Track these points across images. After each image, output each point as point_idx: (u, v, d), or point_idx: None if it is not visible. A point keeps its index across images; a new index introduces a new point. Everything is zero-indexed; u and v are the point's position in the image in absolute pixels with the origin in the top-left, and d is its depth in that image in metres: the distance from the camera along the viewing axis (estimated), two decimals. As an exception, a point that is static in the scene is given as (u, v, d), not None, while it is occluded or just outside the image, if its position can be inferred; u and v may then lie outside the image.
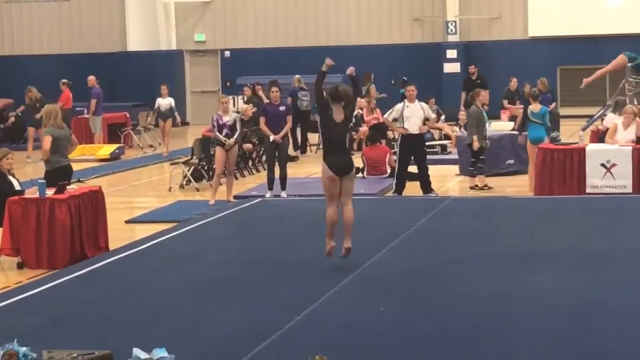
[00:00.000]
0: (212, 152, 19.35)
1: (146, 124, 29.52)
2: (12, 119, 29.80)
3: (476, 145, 19.04)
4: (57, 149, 14.16)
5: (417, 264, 12.46)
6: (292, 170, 20.63)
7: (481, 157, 19.28)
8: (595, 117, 25.21)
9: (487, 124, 19.81)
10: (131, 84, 33.65)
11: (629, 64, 23.98)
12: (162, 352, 4.33)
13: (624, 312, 9.88)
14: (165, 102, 26.39)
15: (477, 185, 19.28)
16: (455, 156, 22.47)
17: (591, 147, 18.39)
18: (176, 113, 26.57)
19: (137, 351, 4.34)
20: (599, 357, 8.61)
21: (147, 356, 4.29)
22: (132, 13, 35.45)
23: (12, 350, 4.22)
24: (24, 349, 4.27)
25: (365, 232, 14.27)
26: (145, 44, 35.60)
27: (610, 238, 13.70)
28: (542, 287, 11.00)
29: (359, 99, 27.34)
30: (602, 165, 17.78)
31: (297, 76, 27.69)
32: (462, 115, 26.39)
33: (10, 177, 13.72)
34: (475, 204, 17.46)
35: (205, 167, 20.66)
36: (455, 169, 21.65)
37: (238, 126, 18.40)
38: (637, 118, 18.81)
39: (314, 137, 26.30)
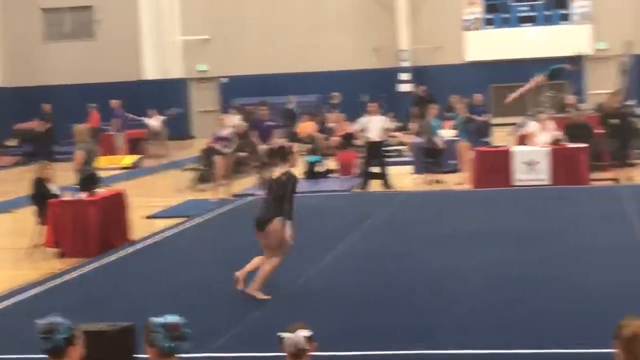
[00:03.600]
0: (213, 160, 19.33)
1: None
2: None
3: (443, 145, 19.20)
4: (86, 161, 14.16)
5: (379, 244, 12.50)
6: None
7: (432, 159, 19.40)
8: (519, 124, 25.29)
9: (438, 131, 19.83)
10: (147, 106, 33.53)
11: (548, 81, 24.11)
12: (174, 318, 4.32)
13: (547, 280, 9.94)
14: (154, 122, 26.78)
15: (435, 181, 19.36)
16: (409, 158, 22.50)
17: (517, 149, 18.47)
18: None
19: (152, 319, 4.33)
20: (526, 315, 8.65)
21: (161, 320, 4.28)
22: (146, 49, 35.41)
23: (53, 322, 4.21)
24: (62, 320, 4.25)
25: (338, 221, 14.35)
26: (158, 74, 35.56)
27: (534, 220, 13.77)
28: (482, 261, 11.04)
29: (330, 114, 27.42)
30: (526, 163, 17.86)
31: None
32: (413, 125, 26.44)
33: (50, 184, 13.68)
34: (427, 197, 17.50)
35: (208, 172, 20.60)
36: (410, 168, 21.68)
37: (233, 138, 18.50)
38: (553, 124, 18.90)
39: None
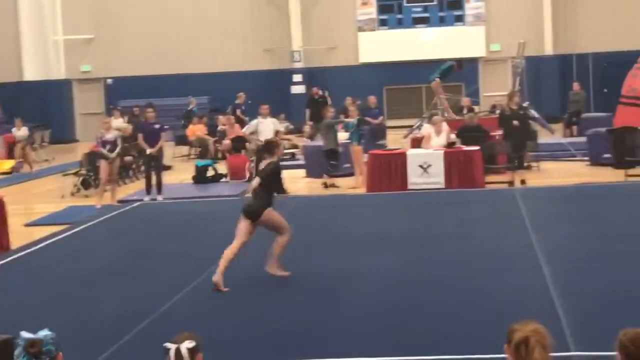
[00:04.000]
0: (98, 164, 19.03)
1: (41, 143, 28.91)
2: None
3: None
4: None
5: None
6: (167, 177, 20.40)
7: (332, 162, 19.51)
8: (414, 127, 25.63)
9: (337, 133, 19.92)
10: (28, 108, 32.79)
11: (440, 82, 24.47)
12: (44, 332, 4.19)
13: (440, 283, 10.05)
14: (19, 132, 26.37)
15: (325, 184, 19.43)
16: (302, 162, 22.55)
17: (411, 152, 18.68)
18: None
19: (23, 333, 4.20)
20: (419, 318, 8.72)
21: (31, 336, 4.16)
22: (26, 48, 34.67)
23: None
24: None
25: (228, 227, 14.20)
26: (39, 75, 34.82)
27: (428, 224, 13.93)
28: (376, 265, 11.10)
29: (221, 117, 27.31)
30: (420, 166, 18.07)
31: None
32: (307, 128, 26.55)
33: None
34: (320, 201, 17.54)
35: (93, 177, 20.27)
36: (303, 172, 21.75)
37: (119, 142, 18.28)
38: (447, 127, 19.17)
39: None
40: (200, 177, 20.90)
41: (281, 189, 10.85)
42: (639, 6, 32.42)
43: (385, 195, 17.38)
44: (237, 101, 28.59)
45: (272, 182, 10.62)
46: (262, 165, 10.78)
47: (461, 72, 25.76)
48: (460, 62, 25.50)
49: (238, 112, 27.40)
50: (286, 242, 10.69)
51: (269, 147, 10.89)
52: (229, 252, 10.43)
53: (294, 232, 10.96)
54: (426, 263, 11.10)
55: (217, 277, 10.18)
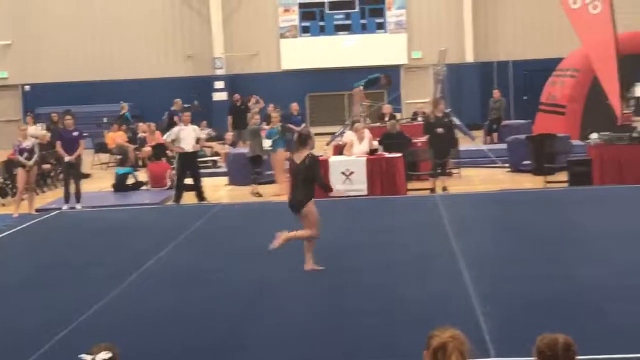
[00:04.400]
0: (15, 173, 18.72)
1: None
2: None
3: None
4: None
5: (193, 259, 12.38)
6: (86, 185, 20.16)
7: (257, 169, 19.50)
8: (337, 134, 25.72)
9: (262, 139, 19.88)
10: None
11: (363, 90, 24.63)
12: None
13: (361, 290, 10.09)
14: None
15: (255, 192, 19.40)
16: (224, 169, 22.48)
17: (334, 159, 18.75)
18: None
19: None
20: (338, 327, 8.73)
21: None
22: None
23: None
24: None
25: (148, 236, 14.14)
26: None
27: (350, 231, 13.98)
28: (297, 273, 11.10)
29: (141, 124, 27.08)
30: (343, 173, 18.15)
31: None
32: (229, 135, 26.46)
33: None
34: (242, 209, 17.48)
35: (10, 185, 19.93)
36: (225, 180, 21.68)
37: (36, 150, 18.02)
38: (369, 134, 19.30)
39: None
40: (120, 185, 20.69)
41: (323, 182, 11.48)
42: (558, 16, 32.98)
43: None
44: (173, 107, 28.32)
45: (312, 174, 11.00)
46: (297, 158, 11.10)
47: (387, 87, 25.92)
48: (388, 76, 25.69)
49: (175, 118, 27.20)
50: (308, 236, 11.10)
51: (301, 138, 11.22)
52: (305, 243, 11.19)
53: (213, 242, 10.92)
54: (347, 271, 11.13)
55: (308, 266, 11.02)
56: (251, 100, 25.52)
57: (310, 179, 11.04)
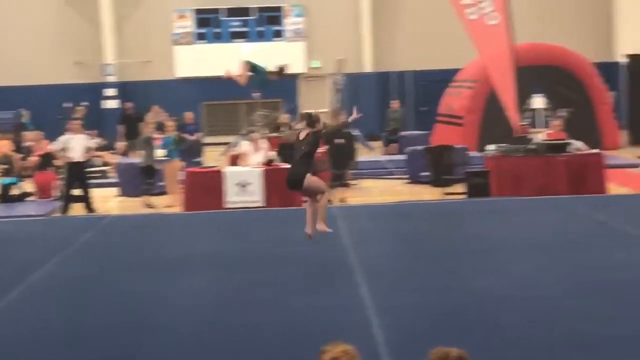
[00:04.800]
0: None
1: None
2: None
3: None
4: None
5: (82, 272, 12.13)
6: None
7: (149, 180, 19.26)
8: (232, 144, 25.61)
9: (154, 149, 19.63)
10: None
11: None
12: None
13: (255, 305, 10.03)
14: None
15: (148, 204, 19.16)
16: (115, 180, 22.17)
17: (229, 170, 18.66)
18: None
19: None
20: (232, 340, 8.67)
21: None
22: None
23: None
24: None
25: (35, 248, 13.83)
26: None
27: (244, 244, 13.91)
28: (190, 287, 10.99)
29: (28, 132, 26.53)
30: (238, 184, 18.06)
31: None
32: (120, 144, 26.14)
33: None
34: (133, 220, 17.25)
35: None
36: (115, 191, 21.39)
37: None
38: (266, 144, 19.27)
39: None
40: (4, 196, 20.20)
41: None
42: (457, 27, 33.48)
43: (202, 215, 17.26)
44: (76, 115, 27.79)
45: (314, 149, 12.52)
46: (301, 135, 12.59)
47: (282, 80, 25.68)
48: (281, 68, 25.42)
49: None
50: (326, 201, 12.76)
51: (310, 120, 12.82)
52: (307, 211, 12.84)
53: (102, 254, 10.74)
54: (241, 285, 11.05)
55: (308, 230, 12.77)
56: (152, 111, 25.31)
57: (311, 154, 12.51)
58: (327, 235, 14.05)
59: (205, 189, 18.10)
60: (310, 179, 12.57)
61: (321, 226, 12.91)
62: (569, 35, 33.74)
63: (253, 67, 24.19)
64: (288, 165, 18.39)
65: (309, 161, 12.62)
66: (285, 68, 23.10)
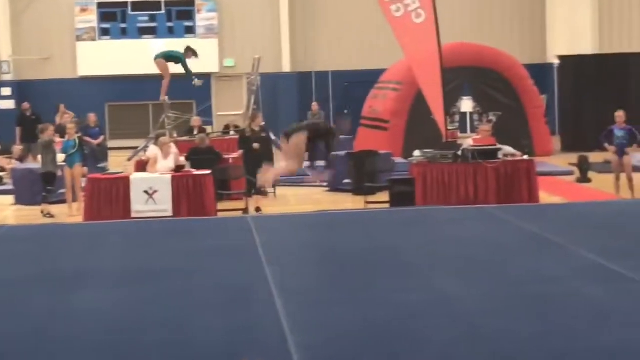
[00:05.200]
0: None
1: None
2: None
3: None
4: None
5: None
6: None
7: (48, 187, 19.06)
8: (139, 148, 25.48)
9: (56, 154, 19.41)
10: None
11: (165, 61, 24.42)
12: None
13: (162, 322, 9.99)
14: None
15: (47, 213, 18.95)
16: (10, 187, 21.88)
17: (135, 176, 18.54)
18: None
19: None
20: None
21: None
22: None
23: None
24: None
25: None
26: None
27: (151, 257, 13.80)
28: (91, 302, 10.88)
29: None
30: (145, 192, 17.96)
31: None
32: (17, 148, 25.80)
33: None
34: (30, 231, 17.04)
35: None
36: (11, 199, 21.11)
37: None
38: (176, 149, 19.20)
39: None
40: None
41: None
42: (380, 25, 33.77)
43: (105, 225, 17.11)
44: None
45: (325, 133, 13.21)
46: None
47: (197, 58, 25.54)
48: (189, 47, 25.27)
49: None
50: (286, 172, 13.65)
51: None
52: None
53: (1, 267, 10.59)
54: (147, 300, 10.98)
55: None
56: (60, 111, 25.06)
57: (324, 133, 13.14)
58: (242, 247, 14.07)
59: (110, 197, 17.97)
60: (299, 139, 12.91)
61: (266, 179, 14.42)
62: (500, 35, 34.33)
63: (168, 57, 24.12)
64: (199, 172, 18.43)
65: (315, 132, 13.18)
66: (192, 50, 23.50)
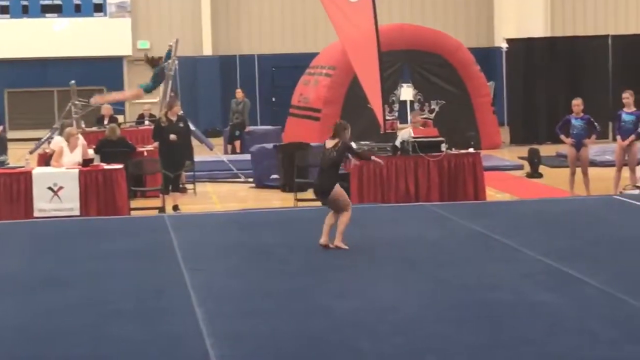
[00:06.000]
0: None
1: None
2: None
3: None
4: None
5: None
6: None
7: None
8: (43, 140, 25.24)
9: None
10: None
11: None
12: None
13: (72, 333, 9.92)
14: None
15: None
16: None
17: (38, 171, 18.36)
18: None
19: None
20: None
21: None
22: None
23: None
24: None
25: None
26: None
27: (55, 260, 13.71)
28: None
29: None
30: (50, 188, 17.81)
31: None
32: None
33: None
34: None
35: None
36: None
37: None
38: (83, 141, 19.06)
39: None
40: None
41: (366, 155, 15.56)
42: (312, 5, 33.88)
43: (4, 225, 16.94)
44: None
45: (341, 159, 14.22)
46: (329, 143, 13.97)
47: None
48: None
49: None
50: (348, 218, 13.78)
51: (338, 128, 14.10)
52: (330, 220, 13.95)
53: None
54: (49, 310, 10.89)
55: (323, 240, 13.77)
56: None
57: (338, 164, 14.07)
58: (158, 249, 14.03)
59: (9, 194, 17.80)
60: (338, 191, 13.78)
61: (339, 242, 13.75)
62: (444, 17, 34.60)
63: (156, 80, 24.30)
64: (110, 166, 18.30)
65: (335, 171, 14.01)
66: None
